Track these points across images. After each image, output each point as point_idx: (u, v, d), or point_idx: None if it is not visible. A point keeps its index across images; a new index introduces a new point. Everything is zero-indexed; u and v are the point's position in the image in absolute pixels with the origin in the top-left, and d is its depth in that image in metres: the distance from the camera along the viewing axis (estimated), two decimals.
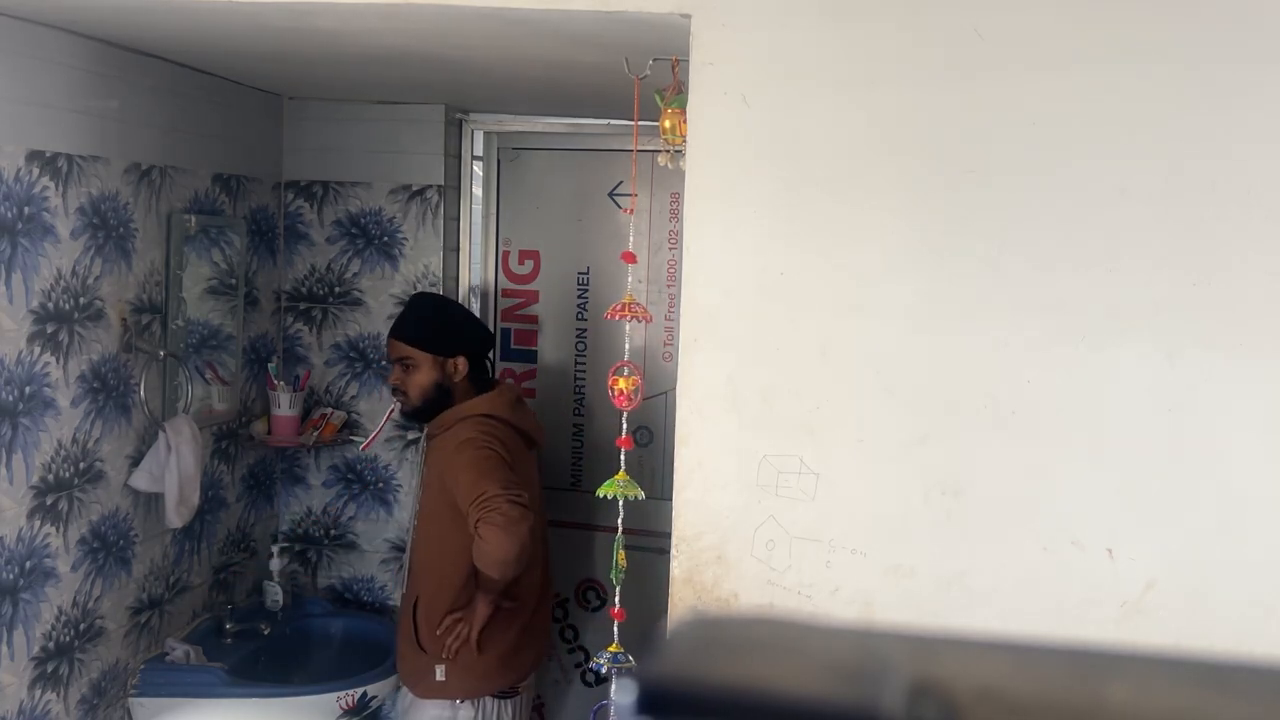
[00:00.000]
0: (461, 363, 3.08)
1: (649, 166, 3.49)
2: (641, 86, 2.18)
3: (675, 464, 2.02)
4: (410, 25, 2.31)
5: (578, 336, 3.89)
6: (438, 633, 3.01)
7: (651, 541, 3.28)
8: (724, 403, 1.99)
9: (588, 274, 3.86)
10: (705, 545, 2.01)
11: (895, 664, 0.52)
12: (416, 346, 3.08)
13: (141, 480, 2.91)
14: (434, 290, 3.69)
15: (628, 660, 2.23)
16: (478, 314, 3.92)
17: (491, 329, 3.92)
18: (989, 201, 1.91)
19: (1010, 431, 1.92)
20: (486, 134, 3.90)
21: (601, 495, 2.20)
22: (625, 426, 2.18)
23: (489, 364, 3.25)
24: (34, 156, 2.49)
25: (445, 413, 3.07)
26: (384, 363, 3.75)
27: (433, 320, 3.12)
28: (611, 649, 2.23)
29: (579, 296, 3.87)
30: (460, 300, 3.90)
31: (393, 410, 3.38)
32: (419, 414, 3.15)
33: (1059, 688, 0.52)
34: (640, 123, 2.26)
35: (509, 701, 3.07)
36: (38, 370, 2.54)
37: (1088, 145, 1.88)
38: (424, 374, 3.08)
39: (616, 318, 2.17)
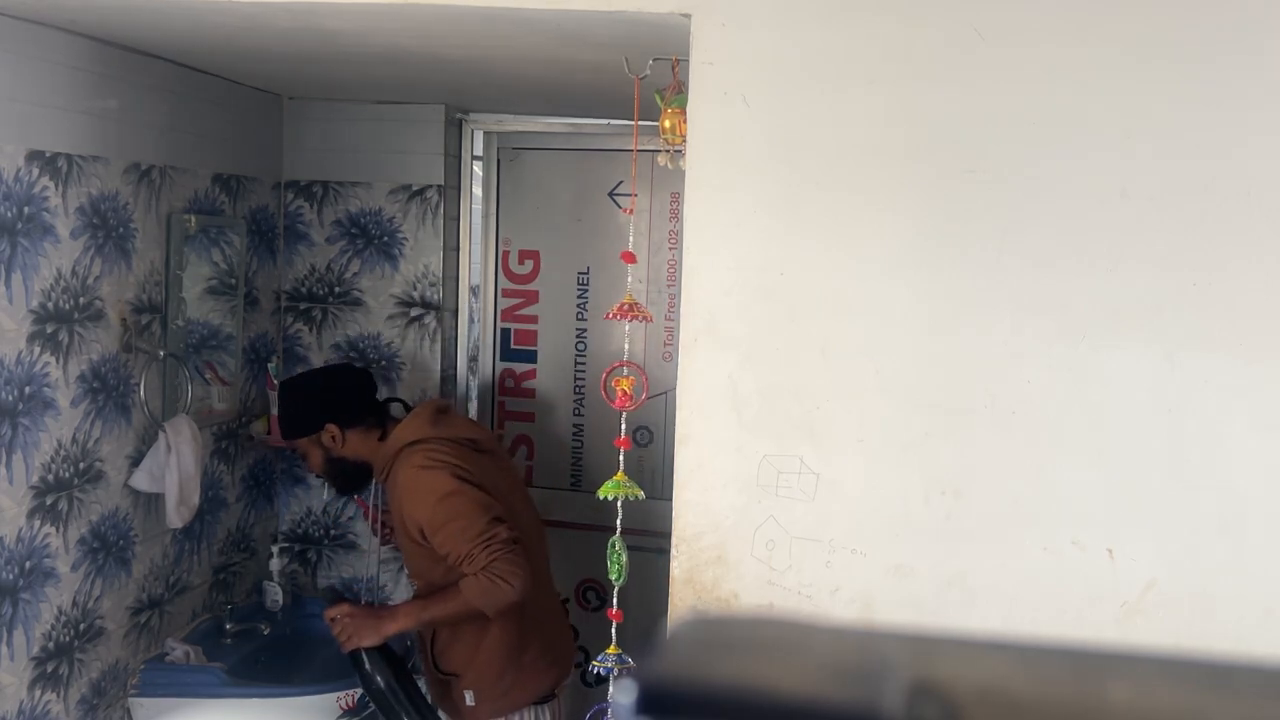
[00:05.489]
0: (333, 429, 2.95)
1: (649, 166, 3.49)
2: (641, 86, 2.18)
3: (675, 464, 2.02)
4: (410, 25, 2.31)
5: (578, 336, 3.89)
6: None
7: (651, 541, 3.28)
8: (724, 403, 1.99)
9: (588, 274, 3.86)
10: (705, 545, 2.01)
11: (896, 664, 0.52)
12: (286, 438, 3.10)
13: (141, 480, 2.91)
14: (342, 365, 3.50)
15: (624, 662, 2.23)
16: (477, 314, 3.92)
17: (491, 329, 3.92)
18: (989, 201, 1.91)
19: (1010, 431, 1.92)
20: (486, 134, 3.90)
21: (602, 497, 2.19)
22: (625, 426, 2.18)
23: (377, 403, 3.08)
24: (34, 156, 2.49)
25: (375, 460, 2.96)
26: (383, 363, 3.76)
27: (285, 409, 3.07)
28: (611, 650, 2.23)
29: (579, 296, 3.87)
30: (460, 300, 3.91)
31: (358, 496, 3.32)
32: (344, 485, 3.10)
33: (1059, 688, 0.52)
34: (640, 123, 2.26)
35: (545, 707, 3.01)
36: (37, 370, 2.54)
37: (1088, 145, 1.88)
38: (314, 457, 3.04)
39: (616, 319, 2.17)
